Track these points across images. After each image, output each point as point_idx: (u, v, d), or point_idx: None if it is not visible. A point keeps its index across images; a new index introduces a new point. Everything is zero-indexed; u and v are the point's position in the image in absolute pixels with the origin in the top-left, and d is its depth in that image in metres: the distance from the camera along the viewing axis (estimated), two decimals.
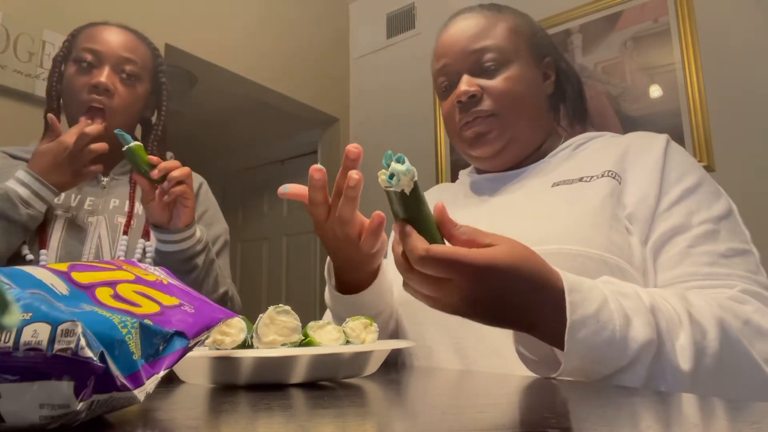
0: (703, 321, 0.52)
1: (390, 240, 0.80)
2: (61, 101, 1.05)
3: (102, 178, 1.06)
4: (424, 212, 0.47)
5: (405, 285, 0.51)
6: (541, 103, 0.82)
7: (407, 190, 0.45)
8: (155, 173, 0.87)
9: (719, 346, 0.51)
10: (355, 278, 0.69)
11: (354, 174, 0.58)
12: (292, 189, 0.64)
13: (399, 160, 0.45)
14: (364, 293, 0.69)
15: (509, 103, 0.77)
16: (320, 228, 0.64)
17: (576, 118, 0.87)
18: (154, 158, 0.87)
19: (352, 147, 0.59)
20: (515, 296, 0.47)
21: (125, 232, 1.01)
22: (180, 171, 0.89)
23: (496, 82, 0.78)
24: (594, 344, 0.47)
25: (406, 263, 0.48)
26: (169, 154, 1.14)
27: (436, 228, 0.48)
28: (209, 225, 1.12)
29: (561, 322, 0.47)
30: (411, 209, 0.47)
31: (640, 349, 0.48)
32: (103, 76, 0.99)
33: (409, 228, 0.47)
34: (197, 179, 1.17)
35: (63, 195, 1.01)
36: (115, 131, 0.85)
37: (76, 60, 1.01)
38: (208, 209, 1.14)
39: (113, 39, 1.02)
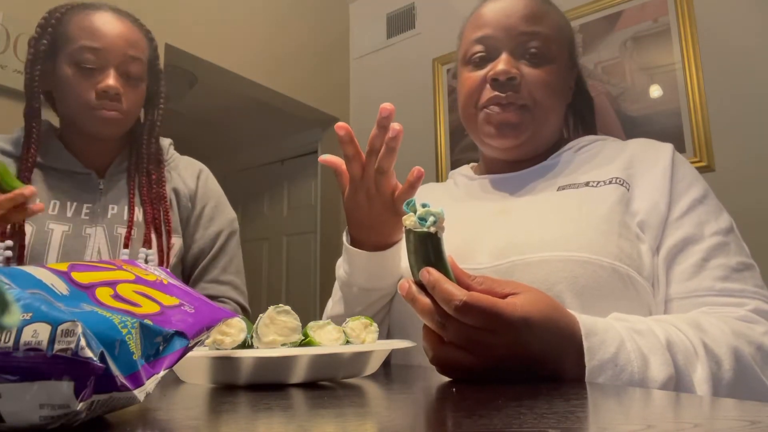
0: (718, 351, 0.53)
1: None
2: (43, 98, 0.98)
3: (99, 181, 1.00)
4: (444, 257, 0.46)
5: (434, 344, 0.48)
6: (563, 108, 0.81)
7: (440, 233, 0.45)
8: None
9: (734, 375, 0.52)
10: (375, 244, 0.69)
11: (396, 125, 0.61)
12: (328, 158, 0.67)
13: (424, 206, 0.45)
14: (391, 250, 0.68)
15: (544, 98, 0.75)
16: (353, 189, 0.66)
17: (584, 133, 0.86)
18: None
19: (387, 105, 0.62)
20: (546, 347, 0.46)
21: (126, 245, 0.95)
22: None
23: (538, 72, 0.74)
24: (614, 388, 0.47)
25: (440, 310, 0.45)
26: (168, 140, 1.10)
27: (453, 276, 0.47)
28: (209, 222, 1.06)
29: (583, 368, 0.47)
30: (436, 254, 0.46)
31: (659, 389, 0.48)
32: (111, 79, 0.91)
33: (438, 274, 0.45)
34: (196, 167, 1.11)
35: (58, 206, 0.95)
36: None
37: (74, 61, 0.91)
38: (206, 204, 1.08)
39: (114, 32, 0.93)
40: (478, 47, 0.77)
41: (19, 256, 0.89)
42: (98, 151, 1.02)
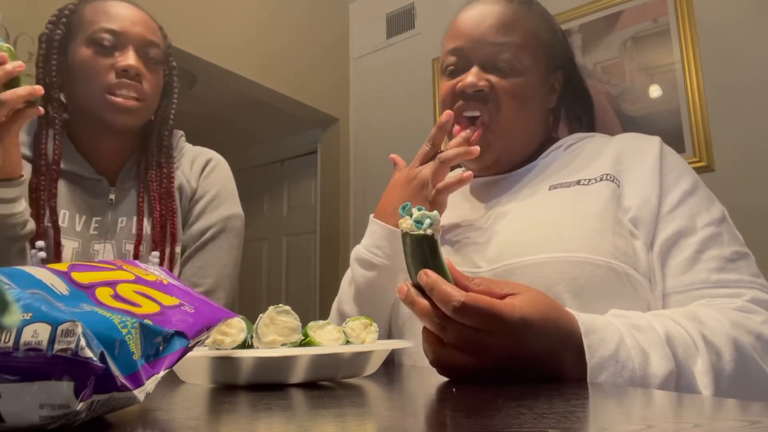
0: (718, 342, 0.53)
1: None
2: (62, 90, 0.93)
3: (109, 189, 0.95)
4: (441, 259, 0.47)
5: (434, 346, 0.48)
6: (538, 117, 0.80)
7: (437, 236, 0.46)
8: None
9: (735, 366, 0.52)
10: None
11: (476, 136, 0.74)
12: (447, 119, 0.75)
13: (419, 209, 0.46)
14: None
15: (511, 110, 0.75)
16: (412, 165, 0.76)
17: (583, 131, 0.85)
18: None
19: (449, 111, 0.75)
20: (546, 347, 0.46)
21: (135, 257, 0.92)
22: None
23: (506, 84, 0.75)
24: (616, 384, 0.47)
25: (439, 312, 0.45)
26: (179, 132, 1.06)
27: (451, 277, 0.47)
28: (198, 218, 1.00)
29: (583, 366, 0.47)
30: (433, 256, 0.46)
31: (660, 384, 0.48)
32: (131, 58, 0.89)
33: (436, 276, 0.45)
34: (203, 159, 1.05)
35: (67, 216, 0.91)
36: None
37: (93, 40, 0.89)
38: (201, 198, 1.01)
39: (132, 16, 0.92)
40: (451, 58, 0.79)
41: (56, 253, 0.86)
42: (110, 151, 0.97)
